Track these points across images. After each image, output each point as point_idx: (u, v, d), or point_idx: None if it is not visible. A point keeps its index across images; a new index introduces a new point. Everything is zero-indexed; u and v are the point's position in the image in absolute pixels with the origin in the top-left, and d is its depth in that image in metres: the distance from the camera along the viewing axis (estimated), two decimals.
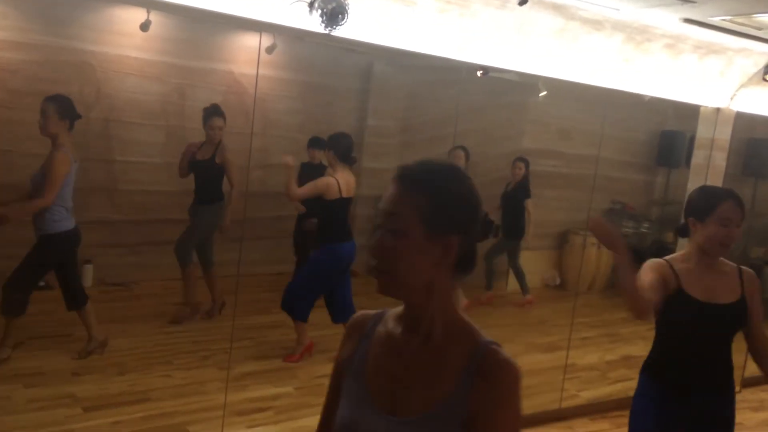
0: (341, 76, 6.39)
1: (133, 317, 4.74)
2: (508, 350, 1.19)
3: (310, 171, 5.22)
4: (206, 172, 4.77)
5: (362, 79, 6.55)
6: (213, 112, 4.79)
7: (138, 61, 5.36)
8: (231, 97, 5.82)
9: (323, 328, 4.63)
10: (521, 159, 5.96)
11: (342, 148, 4.29)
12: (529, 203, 5.94)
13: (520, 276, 6.13)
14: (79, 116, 3.82)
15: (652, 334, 2.54)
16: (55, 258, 3.84)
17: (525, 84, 5.41)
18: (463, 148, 5.25)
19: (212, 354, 4.30)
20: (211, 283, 4.97)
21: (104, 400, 3.55)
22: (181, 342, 4.50)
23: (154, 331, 4.61)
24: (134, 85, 5.38)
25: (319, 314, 5.25)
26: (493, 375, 1.14)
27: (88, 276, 5.29)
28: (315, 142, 5.42)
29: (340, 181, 4.22)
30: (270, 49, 5.03)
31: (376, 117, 6.60)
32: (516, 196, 5.94)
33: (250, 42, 5.48)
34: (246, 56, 5.60)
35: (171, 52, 5.47)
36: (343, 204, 4.30)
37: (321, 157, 5.24)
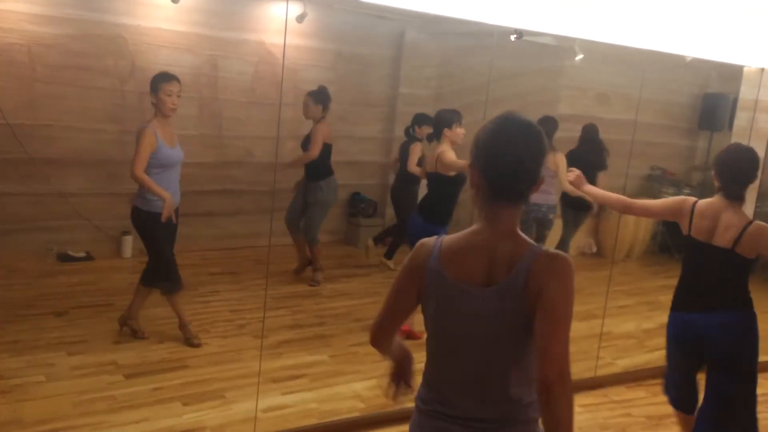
0: (372, 44, 6.32)
1: None
2: None
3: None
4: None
5: (394, 47, 6.46)
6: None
7: (170, 33, 5.38)
8: (263, 68, 5.81)
9: (358, 298, 4.67)
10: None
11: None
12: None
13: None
14: None
15: None
16: None
17: (560, 47, 5.28)
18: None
19: (248, 323, 4.37)
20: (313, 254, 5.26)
21: (144, 367, 3.64)
22: (218, 311, 4.58)
23: (192, 300, 4.69)
24: (167, 57, 5.40)
25: (354, 284, 5.28)
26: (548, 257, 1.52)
27: (128, 247, 5.41)
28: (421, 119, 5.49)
29: None
30: (300, 18, 4.98)
31: (408, 85, 6.52)
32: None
33: (281, 11, 5.44)
34: (277, 26, 5.56)
35: (202, 24, 5.48)
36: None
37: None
